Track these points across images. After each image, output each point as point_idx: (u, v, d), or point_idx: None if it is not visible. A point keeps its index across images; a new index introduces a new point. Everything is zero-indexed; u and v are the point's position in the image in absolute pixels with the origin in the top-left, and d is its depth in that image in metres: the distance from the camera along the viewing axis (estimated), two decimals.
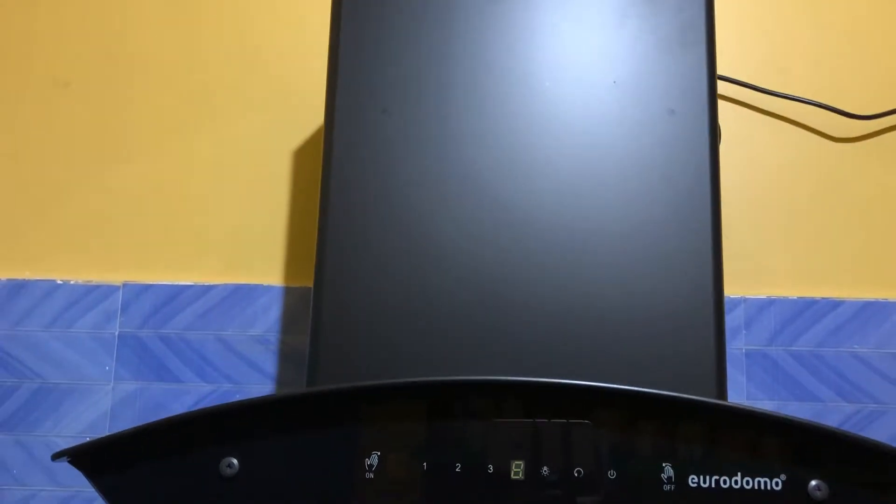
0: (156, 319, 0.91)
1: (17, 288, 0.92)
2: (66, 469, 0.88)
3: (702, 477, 0.50)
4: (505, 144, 0.70)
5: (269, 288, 0.91)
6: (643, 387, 0.51)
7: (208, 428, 0.52)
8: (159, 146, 0.96)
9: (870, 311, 0.88)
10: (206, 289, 0.92)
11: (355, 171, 0.71)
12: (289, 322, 0.90)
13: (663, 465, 0.51)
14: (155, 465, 0.51)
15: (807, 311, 0.88)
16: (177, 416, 0.50)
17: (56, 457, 0.51)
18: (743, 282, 0.90)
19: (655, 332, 0.64)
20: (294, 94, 0.96)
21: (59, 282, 0.92)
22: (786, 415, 0.49)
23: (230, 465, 0.51)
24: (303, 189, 0.94)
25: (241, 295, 0.91)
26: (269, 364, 0.90)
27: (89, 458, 0.51)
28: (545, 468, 0.51)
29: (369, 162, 0.72)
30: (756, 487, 0.50)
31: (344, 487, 0.51)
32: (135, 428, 0.51)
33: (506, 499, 0.51)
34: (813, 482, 0.49)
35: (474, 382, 0.51)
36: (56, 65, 0.98)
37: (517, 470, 0.51)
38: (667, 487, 0.50)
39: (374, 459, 0.52)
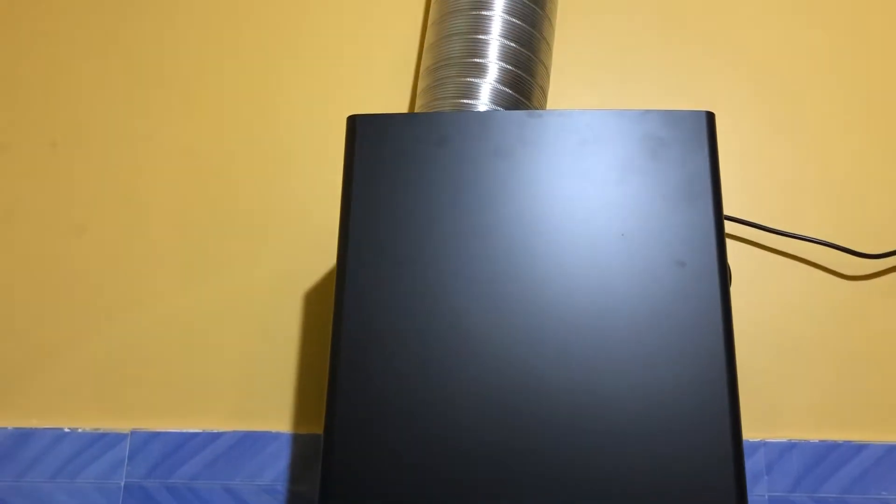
0: (163, 468, 0.89)
1: (24, 437, 0.91)
2: None
3: None
4: (516, 295, 0.70)
5: (277, 435, 0.90)
6: None
7: None
8: (169, 291, 0.96)
9: (895, 457, 0.85)
10: (215, 436, 0.90)
11: (366, 314, 0.71)
12: (298, 470, 0.89)
13: None
14: None
15: (830, 454, 0.86)
16: None
17: None
18: (761, 424, 0.88)
19: (672, 476, 0.62)
20: (305, 235, 0.97)
21: (66, 430, 0.91)
22: None
23: None
24: (313, 332, 0.94)
25: (249, 442, 0.90)
26: None
27: None
28: None
29: (381, 305, 0.71)
30: None
31: None
32: None
33: None
34: None
35: None
36: (73, 210, 1.00)
37: None
38: None
39: None
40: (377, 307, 0.71)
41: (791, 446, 0.87)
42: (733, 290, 0.72)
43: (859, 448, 0.86)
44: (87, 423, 0.92)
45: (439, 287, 0.71)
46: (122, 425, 0.91)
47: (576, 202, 0.72)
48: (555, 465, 0.64)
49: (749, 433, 0.87)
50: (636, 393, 0.66)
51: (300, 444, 0.90)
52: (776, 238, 0.94)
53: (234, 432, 0.90)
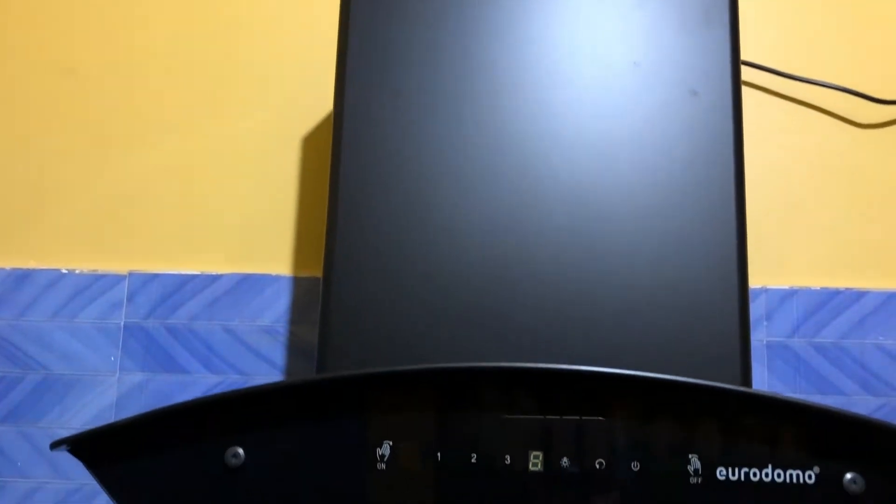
0: (162, 309, 0.89)
1: (22, 277, 0.90)
2: (70, 461, 0.86)
3: (730, 469, 0.48)
4: (522, 128, 0.68)
5: (277, 278, 0.89)
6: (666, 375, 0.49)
7: (213, 416, 0.49)
8: (167, 134, 0.94)
9: (895, 304, 0.85)
10: (214, 278, 0.90)
11: (365, 157, 0.70)
12: (298, 312, 0.88)
13: (690, 456, 0.48)
14: (157, 455, 0.49)
15: (830, 301, 0.86)
16: (180, 403, 0.48)
17: (55, 446, 0.49)
18: (764, 272, 0.87)
19: (678, 321, 0.62)
20: (303, 79, 0.94)
21: (63, 271, 0.91)
22: (820, 404, 0.47)
23: (236, 455, 0.49)
24: (312, 177, 0.92)
25: (248, 285, 0.89)
26: (278, 355, 0.88)
27: (89, 448, 0.49)
28: (565, 460, 0.49)
29: (380, 147, 0.70)
30: (788, 481, 0.47)
31: (354, 479, 0.49)
32: (136, 416, 0.49)
33: (523, 492, 0.49)
34: (848, 475, 0.47)
35: (492, 370, 0.48)
36: (61, 51, 0.96)
37: (535, 461, 0.49)
38: (693, 480, 0.48)
39: (385, 450, 0.50)
40: (376, 148, 0.69)
41: (792, 293, 0.86)
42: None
43: (859, 295, 0.86)
44: (85, 264, 0.91)
45: (441, 122, 0.68)
46: (120, 267, 0.91)
47: (589, 28, 0.69)
48: (559, 312, 0.64)
49: (751, 280, 0.86)
50: (645, 227, 0.65)
51: (300, 286, 0.89)
52: (789, 84, 0.91)
53: (233, 274, 0.90)
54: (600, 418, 0.49)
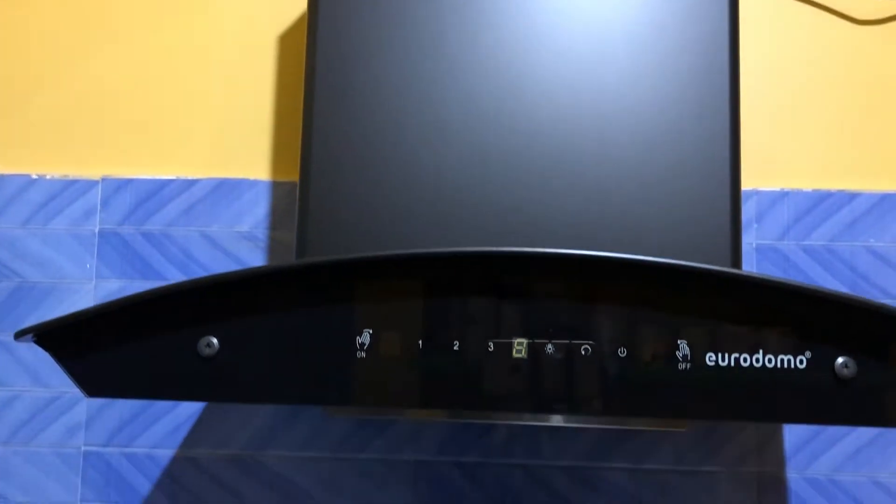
0: (137, 215, 0.87)
1: None
2: (49, 368, 0.85)
3: (720, 355, 0.47)
4: (507, 11, 0.65)
5: (255, 182, 0.87)
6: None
7: (186, 304, 0.47)
8: (141, 34, 0.90)
9: (887, 205, 0.84)
10: (190, 183, 0.87)
11: (341, 55, 0.67)
12: (278, 217, 0.86)
13: (678, 342, 0.47)
14: (127, 345, 0.47)
15: (821, 203, 0.84)
16: (150, 290, 0.46)
17: (19, 335, 0.47)
18: (755, 174, 0.85)
19: (668, 219, 0.60)
20: None
21: (34, 177, 0.88)
22: (812, 285, 0.45)
23: (209, 345, 0.47)
24: (290, 78, 0.89)
25: (226, 190, 0.87)
26: (257, 261, 0.86)
27: (57, 338, 0.47)
28: (550, 346, 0.48)
29: (356, 44, 0.67)
30: (779, 366, 0.46)
31: (333, 368, 0.47)
32: (105, 304, 0.47)
33: (507, 380, 0.47)
34: (840, 359, 0.46)
35: (478, 254, 0.46)
36: None
37: (519, 348, 0.47)
38: (682, 366, 0.47)
39: (365, 338, 0.48)
40: (352, 45, 0.66)
41: (783, 195, 0.85)
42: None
43: (851, 197, 0.84)
44: (56, 169, 0.88)
45: (419, 17, 0.65)
46: (93, 172, 0.88)
47: None
48: (548, 186, 0.61)
49: (742, 182, 0.84)
50: (635, 109, 0.63)
51: (279, 191, 0.87)
52: None
53: (210, 179, 0.87)
54: (587, 304, 0.47)
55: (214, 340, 0.47)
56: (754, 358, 0.46)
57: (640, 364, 0.46)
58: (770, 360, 0.46)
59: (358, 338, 0.47)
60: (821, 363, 0.45)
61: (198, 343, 0.47)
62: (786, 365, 0.46)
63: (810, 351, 0.46)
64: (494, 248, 0.46)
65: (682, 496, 0.79)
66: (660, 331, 0.46)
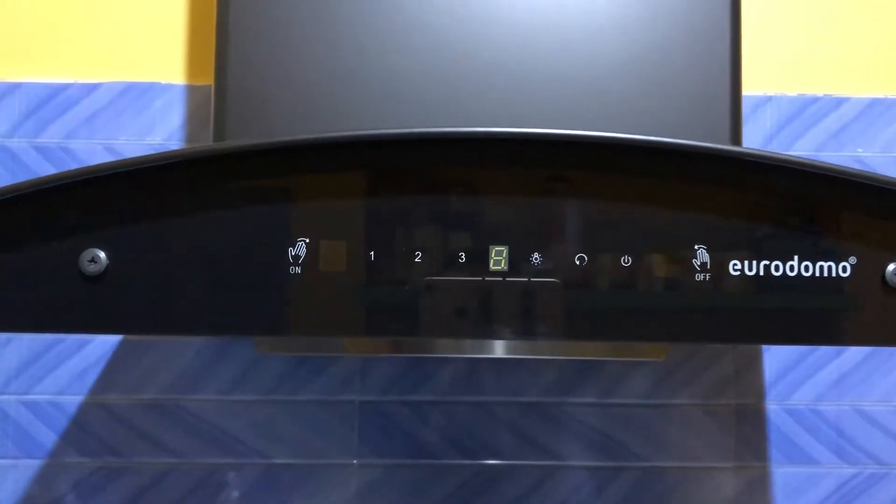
0: (29, 126, 0.77)
1: None
2: None
3: (746, 263, 0.37)
4: None
5: (168, 87, 0.78)
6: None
7: (61, 207, 0.36)
8: None
9: (877, 110, 0.78)
10: (91, 88, 0.77)
11: None
12: (194, 127, 0.77)
13: (696, 248, 0.37)
14: None
15: (807, 109, 0.79)
16: (8, 187, 0.35)
17: None
18: None
19: (665, 103, 0.52)
20: None
21: None
22: (859, 170, 0.36)
23: (94, 260, 0.36)
24: None
25: (134, 95, 0.78)
26: None
27: None
28: (536, 256, 0.38)
29: None
30: (817, 274, 0.37)
31: (255, 289, 0.37)
32: None
33: (484, 296, 0.37)
34: (892, 266, 0.37)
35: (435, 136, 0.36)
36: None
37: (499, 259, 0.37)
38: (700, 277, 0.37)
39: (300, 249, 0.37)
40: None
41: (766, 100, 0.79)
42: None
43: (839, 102, 0.79)
44: None
45: None
46: None
47: None
48: (528, 63, 0.52)
49: None
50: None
51: (196, 96, 0.78)
52: None
53: (115, 83, 0.78)
54: (580, 200, 0.37)
55: (101, 254, 0.36)
56: (788, 265, 0.37)
57: (646, 275, 0.37)
58: (807, 268, 0.37)
59: (291, 249, 0.37)
60: (868, 270, 0.37)
61: (79, 258, 0.36)
62: (826, 273, 0.37)
63: (856, 256, 0.37)
64: (461, 129, 0.35)
65: (653, 431, 0.74)
66: (673, 234, 0.37)
